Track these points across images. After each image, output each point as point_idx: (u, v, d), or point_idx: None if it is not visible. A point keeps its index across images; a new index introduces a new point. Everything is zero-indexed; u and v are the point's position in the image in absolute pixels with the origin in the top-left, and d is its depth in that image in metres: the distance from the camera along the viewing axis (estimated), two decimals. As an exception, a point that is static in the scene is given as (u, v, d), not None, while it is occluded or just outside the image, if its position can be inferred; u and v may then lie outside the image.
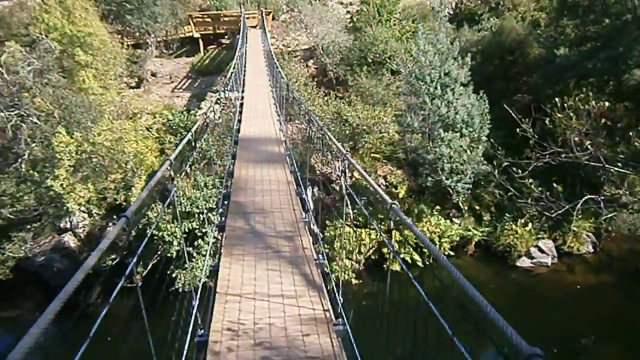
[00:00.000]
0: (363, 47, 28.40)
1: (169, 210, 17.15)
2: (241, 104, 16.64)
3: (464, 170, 21.22)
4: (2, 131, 19.50)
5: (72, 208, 16.70)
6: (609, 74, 22.65)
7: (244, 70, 21.62)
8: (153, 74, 31.94)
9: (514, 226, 22.70)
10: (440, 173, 21.27)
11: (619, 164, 22.97)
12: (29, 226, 19.09)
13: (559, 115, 16.47)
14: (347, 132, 21.62)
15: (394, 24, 30.54)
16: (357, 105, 22.30)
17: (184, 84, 31.69)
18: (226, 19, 36.31)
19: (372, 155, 24.87)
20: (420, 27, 21.47)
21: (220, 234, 8.30)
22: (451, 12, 31.13)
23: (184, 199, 16.65)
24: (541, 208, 22.97)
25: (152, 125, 21.03)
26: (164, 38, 35.92)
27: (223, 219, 8.73)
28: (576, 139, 26.28)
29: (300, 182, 10.34)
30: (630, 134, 17.02)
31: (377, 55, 28.03)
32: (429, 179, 21.38)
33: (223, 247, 7.46)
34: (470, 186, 21.79)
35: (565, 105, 16.26)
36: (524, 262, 21.98)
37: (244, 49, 24.79)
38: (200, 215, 17.57)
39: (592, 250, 22.89)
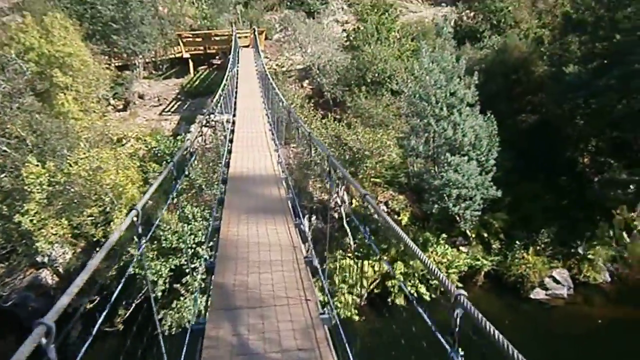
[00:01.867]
0: (361, 67, 27.46)
1: (154, 246, 15.86)
2: (232, 131, 14.88)
3: (472, 196, 20.06)
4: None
5: (41, 247, 15.15)
6: (621, 92, 21.67)
7: (236, 92, 20.35)
8: (140, 96, 30.82)
9: (525, 255, 21.59)
10: (446, 199, 20.11)
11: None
12: (-6, 266, 17.57)
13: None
14: (347, 156, 20.47)
15: (393, 43, 29.66)
16: (358, 128, 21.19)
17: (173, 106, 30.58)
18: (217, 38, 35.37)
19: (372, 180, 23.75)
20: (424, 45, 20.48)
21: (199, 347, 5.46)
22: (451, 30, 30.36)
23: (169, 234, 15.29)
24: (554, 234, 21.97)
25: (135, 153, 19.55)
26: (153, 59, 34.88)
27: (200, 319, 5.96)
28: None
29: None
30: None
31: (376, 75, 27.08)
32: (435, 206, 20.18)
33: None
34: (480, 213, 20.61)
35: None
36: (538, 294, 20.83)
37: (236, 69, 23.66)
38: (189, 250, 16.25)
39: (609, 279, 21.72)
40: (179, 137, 21.08)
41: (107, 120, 22.12)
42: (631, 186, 21.86)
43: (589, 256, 22.00)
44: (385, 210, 23.52)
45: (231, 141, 13.80)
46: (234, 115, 16.76)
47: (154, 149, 20.01)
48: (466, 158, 19.61)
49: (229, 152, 12.31)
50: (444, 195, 20.04)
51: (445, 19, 21.16)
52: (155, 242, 15.51)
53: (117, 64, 32.79)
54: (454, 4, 35.07)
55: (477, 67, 26.28)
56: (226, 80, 17.46)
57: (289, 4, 38.84)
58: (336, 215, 23.94)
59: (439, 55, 19.78)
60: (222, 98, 15.96)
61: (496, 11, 29.65)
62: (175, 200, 7.05)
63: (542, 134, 25.09)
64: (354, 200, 23.30)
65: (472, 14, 31.68)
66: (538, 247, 21.97)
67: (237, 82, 22.40)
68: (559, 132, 25.12)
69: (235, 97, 19.27)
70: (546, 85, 26.54)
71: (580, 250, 21.80)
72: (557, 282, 21.18)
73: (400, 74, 26.52)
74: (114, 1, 30.39)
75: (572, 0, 25.69)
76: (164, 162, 18.17)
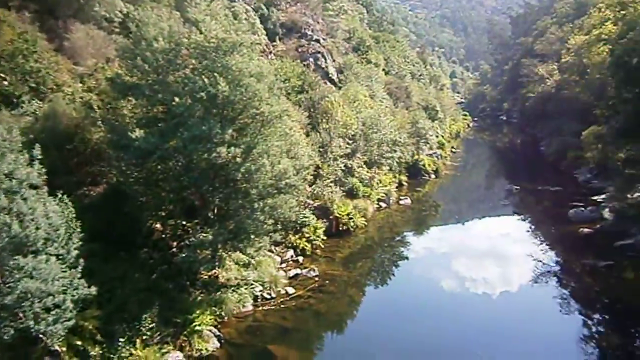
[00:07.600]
0: None
1: None
2: None
3: (59, 303, 15.46)
4: None
5: None
6: (191, 155, 21.48)
7: None
8: None
9: (133, 351, 18.67)
10: (23, 318, 14.88)
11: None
12: None
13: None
14: None
15: None
16: None
17: None
18: None
19: None
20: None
21: None
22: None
23: None
24: (156, 316, 19.80)
25: None
26: None
27: None
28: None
29: None
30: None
31: None
32: (11, 331, 14.63)
33: None
34: (73, 322, 16.24)
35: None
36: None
37: None
38: None
39: (218, 345, 21.33)
40: None
41: None
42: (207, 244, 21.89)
43: (196, 327, 20.90)
44: None
45: None
46: None
47: None
48: (44, 257, 15.00)
49: None
50: (21, 312, 14.78)
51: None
52: None
53: None
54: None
55: (24, 139, 21.54)
56: None
57: None
58: None
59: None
60: None
61: (32, 72, 25.25)
62: None
63: (114, 206, 22.58)
64: None
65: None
66: (145, 337, 19.34)
67: None
68: (133, 202, 23.20)
69: None
70: (107, 153, 24.21)
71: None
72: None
73: None
74: None
75: (123, 65, 24.07)
76: None
